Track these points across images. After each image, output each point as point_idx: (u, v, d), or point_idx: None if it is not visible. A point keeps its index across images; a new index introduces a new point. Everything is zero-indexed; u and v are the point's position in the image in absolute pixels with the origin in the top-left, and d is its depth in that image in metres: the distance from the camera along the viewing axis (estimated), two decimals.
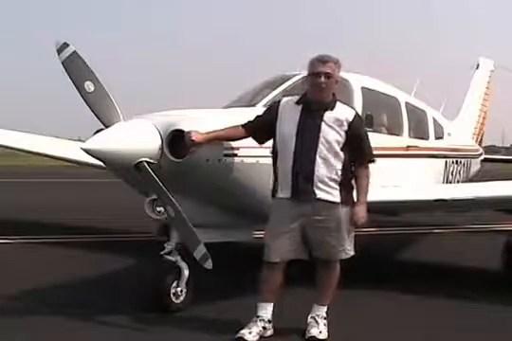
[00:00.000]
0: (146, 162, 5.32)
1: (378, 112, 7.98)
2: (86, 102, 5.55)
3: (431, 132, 9.37)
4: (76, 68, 5.54)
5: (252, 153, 5.75)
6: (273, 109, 5.41)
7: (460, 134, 11.47)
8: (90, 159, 5.63)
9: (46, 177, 24.99)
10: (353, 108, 5.47)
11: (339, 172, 5.15)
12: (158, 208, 5.53)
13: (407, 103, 8.71)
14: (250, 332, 5.14)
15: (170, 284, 5.67)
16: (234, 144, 5.63)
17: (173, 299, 5.71)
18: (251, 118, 5.50)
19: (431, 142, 9.28)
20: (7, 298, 6.12)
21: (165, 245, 5.76)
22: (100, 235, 10.23)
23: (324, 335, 5.23)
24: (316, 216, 5.15)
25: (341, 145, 5.15)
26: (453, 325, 5.72)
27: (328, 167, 5.12)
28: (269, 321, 5.28)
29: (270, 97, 6.89)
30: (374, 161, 5.38)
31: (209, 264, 5.42)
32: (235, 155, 5.65)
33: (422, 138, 8.93)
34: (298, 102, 5.31)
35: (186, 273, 5.73)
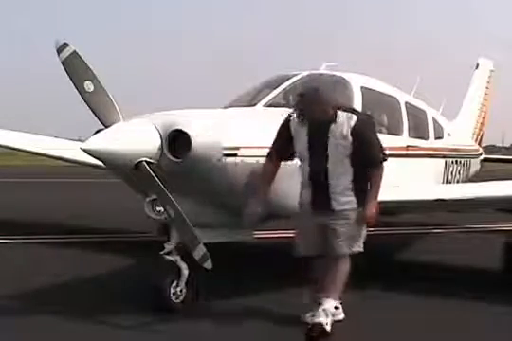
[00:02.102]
0: (146, 162, 5.32)
1: (378, 112, 7.98)
2: (86, 102, 5.55)
3: (431, 132, 9.37)
4: (76, 68, 5.54)
5: (252, 153, 5.75)
6: (286, 127, 5.60)
7: (460, 134, 11.47)
8: (90, 159, 5.63)
9: (47, 177, 24.99)
10: (356, 113, 5.53)
11: (351, 180, 5.41)
12: (158, 208, 5.53)
13: (407, 103, 8.71)
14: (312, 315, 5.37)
15: (170, 284, 5.67)
16: (234, 144, 5.63)
17: (173, 299, 5.71)
18: (270, 148, 5.65)
19: (431, 142, 9.27)
20: (6, 298, 6.11)
21: (165, 245, 5.76)
22: (99, 235, 10.22)
23: (329, 328, 5.33)
24: (330, 219, 5.45)
25: (348, 155, 5.38)
26: (453, 325, 5.71)
27: (340, 178, 5.40)
28: (335, 307, 5.49)
29: (270, 96, 6.90)
30: (385, 159, 5.55)
31: (208, 264, 5.43)
32: (235, 155, 5.65)
33: (422, 138, 8.93)
34: (302, 121, 5.47)
35: (186, 273, 5.73)
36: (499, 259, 7.40)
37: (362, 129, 5.40)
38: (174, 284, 5.70)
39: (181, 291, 5.73)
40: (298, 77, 7.25)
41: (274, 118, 6.40)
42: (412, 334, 5.45)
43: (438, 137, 9.65)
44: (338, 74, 7.76)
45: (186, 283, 5.74)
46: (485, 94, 13.98)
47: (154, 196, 5.50)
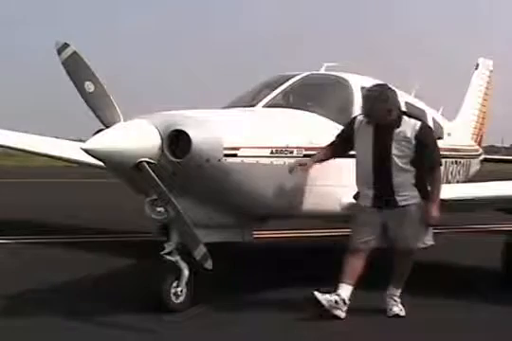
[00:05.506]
0: (146, 162, 5.32)
1: None
2: (86, 102, 5.57)
3: None
4: (76, 68, 5.55)
5: (252, 153, 5.76)
6: (350, 126, 6.02)
7: (460, 134, 11.43)
8: (90, 159, 5.64)
9: (46, 177, 24.98)
10: (420, 119, 5.94)
11: (414, 177, 5.78)
12: (158, 208, 5.53)
13: (407, 103, 8.69)
14: (323, 295, 5.62)
15: (170, 284, 5.67)
16: (234, 144, 5.64)
17: (174, 299, 5.70)
18: (331, 142, 6.08)
19: None
20: (5, 298, 6.11)
21: (165, 245, 5.76)
22: (99, 235, 10.23)
23: (403, 313, 5.83)
24: (395, 215, 5.80)
25: (410, 155, 5.74)
26: (453, 325, 5.72)
27: (404, 175, 5.76)
28: (344, 301, 5.65)
29: (270, 97, 6.90)
30: (441, 164, 6.06)
31: (209, 264, 5.44)
32: (235, 155, 5.65)
33: None
34: (369, 122, 5.81)
35: (186, 273, 5.73)
36: (499, 259, 7.39)
37: (425, 135, 5.81)
38: (175, 284, 5.70)
39: (181, 291, 5.73)
40: (297, 77, 7.26)
41: (274, 119, 6.42)
42: (412, 334, 5.46)
43: (438, 138, 9.61)
44: (338, 74, 7.77)
45: (186, 283, 5.75)
46: (485, 94, 13.95)
47: (154, 196, 5.50)
